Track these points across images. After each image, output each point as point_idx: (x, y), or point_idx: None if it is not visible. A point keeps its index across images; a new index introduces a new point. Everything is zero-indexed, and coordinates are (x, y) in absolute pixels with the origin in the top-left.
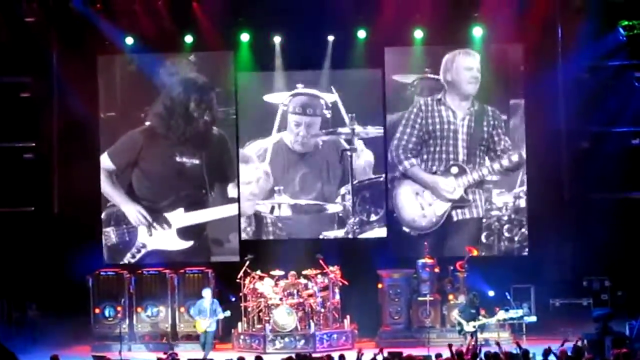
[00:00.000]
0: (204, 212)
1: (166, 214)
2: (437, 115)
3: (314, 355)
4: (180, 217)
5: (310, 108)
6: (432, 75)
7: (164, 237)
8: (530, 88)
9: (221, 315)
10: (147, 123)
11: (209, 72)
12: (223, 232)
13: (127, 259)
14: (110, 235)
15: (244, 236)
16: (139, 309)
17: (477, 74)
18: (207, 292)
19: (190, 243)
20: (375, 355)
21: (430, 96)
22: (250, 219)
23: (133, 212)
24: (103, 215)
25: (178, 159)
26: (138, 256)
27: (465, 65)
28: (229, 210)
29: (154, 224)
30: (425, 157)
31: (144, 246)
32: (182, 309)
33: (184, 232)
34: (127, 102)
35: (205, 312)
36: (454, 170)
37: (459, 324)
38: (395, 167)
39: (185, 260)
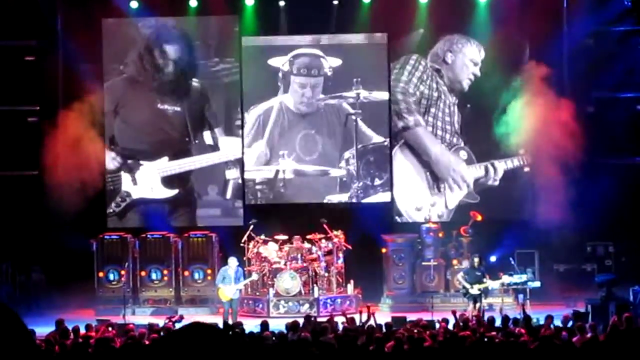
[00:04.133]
0: (188, 160)
1: (150, 162)
2: (435, 87)
3: (319, 319)
4: (164, 165)
5: (315, 69)
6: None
7: (148, 186)
8: (536, 54)
9: (247, 281)
10: (125, 70)
11: (212, 34)
12: (202, 184)
13: (112, 208)
14: (115, 201)
15: (248, 201)
16: (143, 273)
17: (478, 72)
18: (232, 260)
19: (175, 191)
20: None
21: (432, 62)
22: (252, 184)
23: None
24: None
25: (160, 106)
26: (123, 205)
27: (473, 57)
28: (214, 157)
29: (135, 173)
30: (431, 120)
31: (128, 195)
32: (186, 273)
33: (169, 181)
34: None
35: (230, 279)
36: (463, 155)
37: (464, 287)
38: (400, 116)
39: (172, 211)
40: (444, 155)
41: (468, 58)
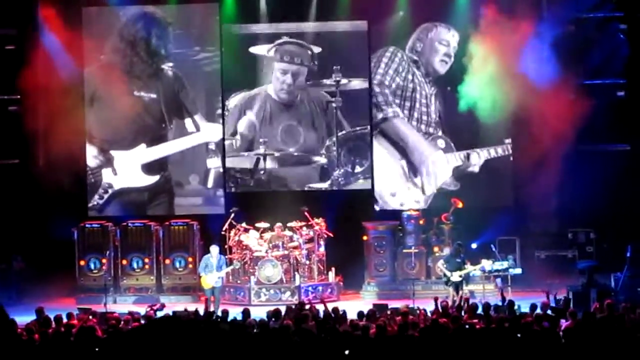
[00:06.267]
0: (166, 146)
1: (128, 151)
2: (411, 79)
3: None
4: (143, 153)
5: (298, 57)
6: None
7: (129, 175)
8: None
9: (228, 269)
10: (104, 59)
11: (194, 23)
12: (183, 173)
13: (95, 200)
14: (96, 190)
15: (228, 189)
16: (124, 262)
17: (451, 52)
18: (214, 248)
19: (156, 178)
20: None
21: (410, 53)
22: (233, 172)
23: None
24: None
25: (136, 93)
26: (105, 197)
27: (441, 38)
28: (190, 141)
29: (113, 164)
30: (407, 112)
31: (110, 186)
32: (167, 261)
33: (149, 168)
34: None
35: (212, 268)
36: (441, 143)
37: (445, 274)
38: (379, 107)
39: (151, 199)
40: (420, 144)
41: (436, 40)
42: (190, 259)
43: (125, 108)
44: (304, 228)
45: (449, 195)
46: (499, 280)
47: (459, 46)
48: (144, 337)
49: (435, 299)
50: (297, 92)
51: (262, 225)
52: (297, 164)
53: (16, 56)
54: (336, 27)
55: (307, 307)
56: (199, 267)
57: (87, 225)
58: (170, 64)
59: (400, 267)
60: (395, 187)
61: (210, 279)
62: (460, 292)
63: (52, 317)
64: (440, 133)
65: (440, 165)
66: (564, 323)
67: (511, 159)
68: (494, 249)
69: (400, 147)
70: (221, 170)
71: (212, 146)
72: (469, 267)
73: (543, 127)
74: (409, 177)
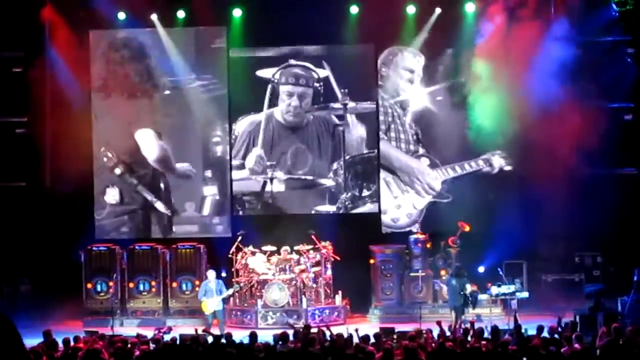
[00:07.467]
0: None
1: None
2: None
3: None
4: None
5: (303, 79)
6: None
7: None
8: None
9: (230, 291)
10: (110, 80)
11: (200, 48)
12: (178, 201)
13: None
14: (102, 213)
15: (235, 212)
16: (131, 284)
17: (415, 78)
18: (211, 273)
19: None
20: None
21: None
22: (241, 196)
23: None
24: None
25: (140, 111)
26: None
27: (406, 65)
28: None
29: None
30: (382, 135)
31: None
32: (174, 284)
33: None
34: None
35: (212, 292)
36: (424, 161)
37: (467, 296)
38: None
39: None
40: (403, 158)
41: (400, 67)
42: (197, 282)
43: (130, 127)
44: (311, 251)
45: (442, 207)
46: (513, 302)
47: (466, 66)
48: None
49: (439, 323)
50: (305, 114)
51: (269, 248)
52: (305, 187)
53: (24, 78)
54: (343, 50)
55: (315, 330)
56: (199, 293)
57: (94, 248)
58: (172, 87)
59: (407, 291)
60: (386, 204)
61: (211, 304)
62: (465, 315)
63: (59, 339)
64: (421, 151)
65: (428, 177)
66: (566, 347)
67: (517, 179)
68: (500, 273)
69: (384, 165)
70: (217, 197)
71: (208, 174)
72: (470, 287)
73: (550, 150)
74: (398, 192)
